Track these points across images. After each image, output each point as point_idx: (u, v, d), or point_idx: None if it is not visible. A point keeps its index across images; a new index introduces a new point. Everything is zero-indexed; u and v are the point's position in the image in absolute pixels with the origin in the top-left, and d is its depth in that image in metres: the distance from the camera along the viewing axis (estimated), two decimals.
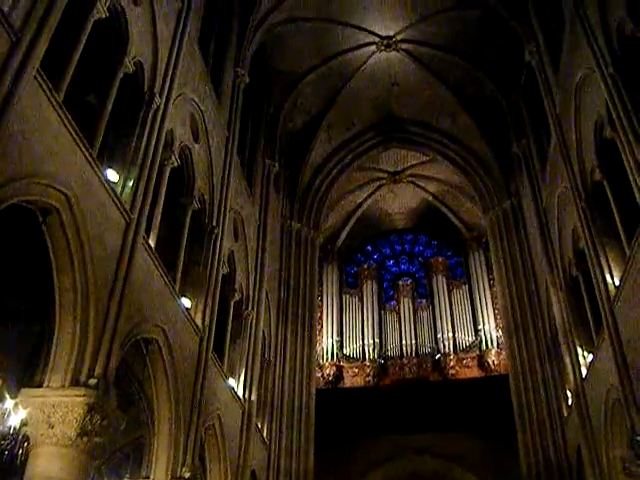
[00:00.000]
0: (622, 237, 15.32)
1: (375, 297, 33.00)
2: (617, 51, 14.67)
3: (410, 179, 33.31)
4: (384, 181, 33.38)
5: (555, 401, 22.84)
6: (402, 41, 26.49)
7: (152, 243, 14.16)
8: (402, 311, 31.88)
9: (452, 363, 29.94)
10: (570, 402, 20.87)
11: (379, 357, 30.87)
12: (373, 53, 27.01)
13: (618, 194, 15.67)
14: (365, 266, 34.42)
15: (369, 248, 37.27)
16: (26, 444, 10.68)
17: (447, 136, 30.02)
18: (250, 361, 21.05)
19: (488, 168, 29.03)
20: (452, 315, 31.65)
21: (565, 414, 21.96)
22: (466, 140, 29.50)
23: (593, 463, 18.18)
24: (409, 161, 32.40)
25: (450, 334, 30.85)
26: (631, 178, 13.76)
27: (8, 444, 10.08)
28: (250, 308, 21.86)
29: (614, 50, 14.72)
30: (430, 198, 34.41)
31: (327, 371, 30.40)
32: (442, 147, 30.22)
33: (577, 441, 19.87)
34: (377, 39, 26.42)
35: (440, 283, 32.82)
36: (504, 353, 27.72)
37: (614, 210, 15.79)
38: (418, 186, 33.78)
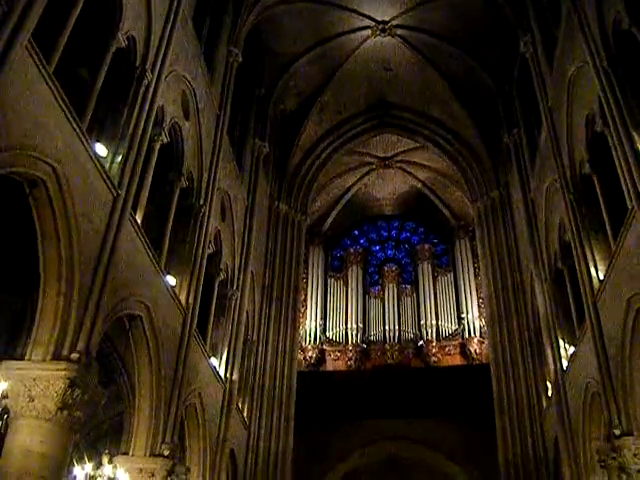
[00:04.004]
0: (608, 231, 15.38)
1: (360, 282, 32.99)
2: (612, 46, 14.66)
3: (400, 165, 33.23)
4: (373, 166, 33.27)
5: (535, 392, 22.97)
6: (397, 27, 26.31)
7: (139, 219, 14.09)
8: (386, 297, 31.90)
9: (434, 350, 30.01)
10: (550, 393, 20.99)
11: (362, 342, 30.89)
12: (368, 37, 26.82)
13: (606, 188, 15.70)
14: (351, 250, 34.32)
15: (356, 232, 37.17)
16: (6, 416, 10.67)
17: (438, 124, 29.89)
18: (233, 341, 21.02)
19: (478, 157, 28.98)
20: (436, 302, 31.69)
21: (544, 405, 22.10)
22: (457, 129, 29.40)
23: (570, 454, 18.36)
24: (399, 147, 32.26)
25: (433, 321, 30.90)
26: (620, 173, 13.81)
27: None
28: (235, 288, 21.81)
29: (609, 44, 14.71)
30: (419, 185, 34.35)
31: (309, 354, 30.43)
32: (433, 134, 30.10)
33: (555, 432, 20.02)
34: (372, 23, 26.23)
35: (425, 270, 32.84)
36: (486, 342, 27.84)
37: (602, 204, 15.84)
38: (407, 172, 33.71)
